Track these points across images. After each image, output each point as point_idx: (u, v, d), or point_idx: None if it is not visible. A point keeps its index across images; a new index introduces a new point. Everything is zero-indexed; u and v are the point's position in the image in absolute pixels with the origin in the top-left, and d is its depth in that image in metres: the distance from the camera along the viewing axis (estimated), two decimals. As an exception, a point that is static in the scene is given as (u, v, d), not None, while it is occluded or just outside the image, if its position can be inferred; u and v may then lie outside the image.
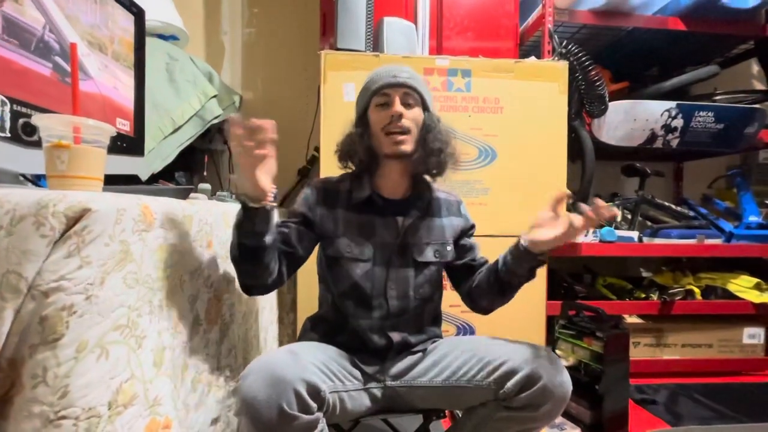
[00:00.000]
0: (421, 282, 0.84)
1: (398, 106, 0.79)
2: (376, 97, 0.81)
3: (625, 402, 1.19)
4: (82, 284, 0.43)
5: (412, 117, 0.80)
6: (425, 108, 0.84)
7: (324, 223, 0.82)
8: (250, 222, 0.68)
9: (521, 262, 0.78)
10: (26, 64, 0.58)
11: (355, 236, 0.81)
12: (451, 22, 1.52)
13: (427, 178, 0.87)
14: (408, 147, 0.80)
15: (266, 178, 0.67)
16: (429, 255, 0.84)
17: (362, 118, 0.84)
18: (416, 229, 0.84)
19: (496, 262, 0.84)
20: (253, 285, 0.76)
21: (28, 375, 0.41)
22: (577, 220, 0.72)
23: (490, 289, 0.85)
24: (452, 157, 0.84)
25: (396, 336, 0.81)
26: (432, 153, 0.81)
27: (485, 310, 0.89)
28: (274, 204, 0.71)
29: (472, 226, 0.93)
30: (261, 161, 0.65)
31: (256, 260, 0.72)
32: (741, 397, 1.45)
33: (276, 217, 0.74)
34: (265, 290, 0.78)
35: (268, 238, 0.71)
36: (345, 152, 0.84)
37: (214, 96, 1.50)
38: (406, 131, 0.79)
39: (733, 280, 1.66)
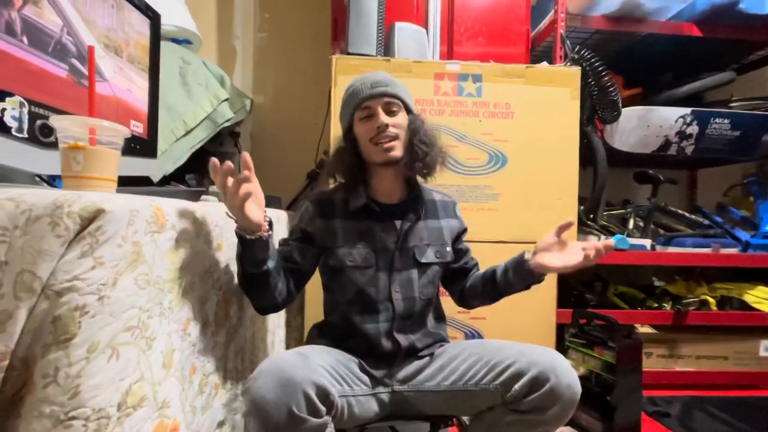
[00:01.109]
0: (425, 282, 0.85)
1: (383, 117, 0.80)
2: (358, 111, 0.82)
3: (638, 414, 1.16)
4: (94, 285, 0.43)
5: (397, 123, 0.81)
6: (408, 111, 0.85)
7: (323, 235, 0.83)
8: (251, 252, 0.71)
9: (523, 280, 0.85)
10: (43, 65, 0.59)
11: (356, 244, 0.82)
12: (462, 27, 1.52)
13: (420, 179, 0.89)
14: (398, 153, 0.81)
15: (255, 210, 0.70)
16: (431, 256, 0.86)
17: (348, 134, 0.86)
18: (415, 231, 0.86)
19: (493, 271, 0.89)
20: (266, 306, 0.80)
21: (39, 374, 0.41)
22: (591, 253, 0.78)
23: (484, 294, 0.91)
24: (441, 156, 0.86)
25: (403, 339, 0.82)
26: (419, 156, 0.82)
27: (472, 308, 0.97)
28: (270, 232, 0.74)
29: (465, 230, 0.95)
30: (245, 199, 0.66)
31: (264, 285, 0.75)
32: (757, 411, 1.41)
33: (275, 242, 0.77)
34: (277, 309, 0.82)
35: (271, 263, 0.74)
36: (336, 168, 0.86)
37: (226, 99, 1.52)
38: (393, 138, 0.81)
39: (749, 290, 1.62)
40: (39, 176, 0.72)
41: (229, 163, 0.64)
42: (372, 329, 0.81)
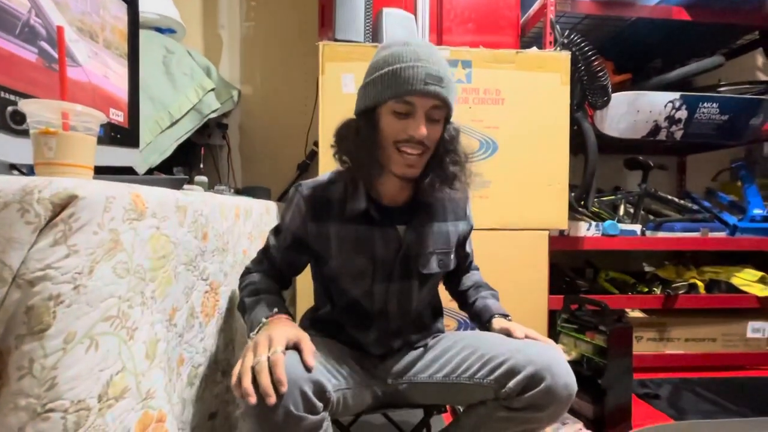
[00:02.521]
0: (424, 294, 0.82)
1: (423, 128, 0.66)
2: (396, 102, 0.67)
3: (628, 396, 1.18)
4: (69, 273, 0.41)
5: (432, 137, 0.69)
6: (447, 119, 0.72)
7: (316, 243, 0.76)
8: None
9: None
10: (11, 49, 0.56)
11: (351, 254, 0.74)
12: (452, 14, 1.50)
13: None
14: (418, 170, 0.71)
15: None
16: (433, 266, 0.79)
17: (369, 115, 0.70)
18: (419, 238, 0.77)
19: (475, 310, 0.86)
20: None
21: (14, 366, 0.40)
22: None
23: (461, 306, 0.92)
24: (470, 179, 0.75)
25: (396, 343, 0.80)
26: (447, 179, 0.72)
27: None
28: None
29: (472, 228, 0.89)
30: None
31: None
32: (745, 391, 1.44)
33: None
34: None
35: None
36: (344, 151, 0.73)
37: (212, 89, 1.48)
38: (422, 152, 0.69)
39: (737, 273, 1.65)
40: (16, 167, 0.70)
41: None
42: (362, 338, 0.79)
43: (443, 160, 0.71)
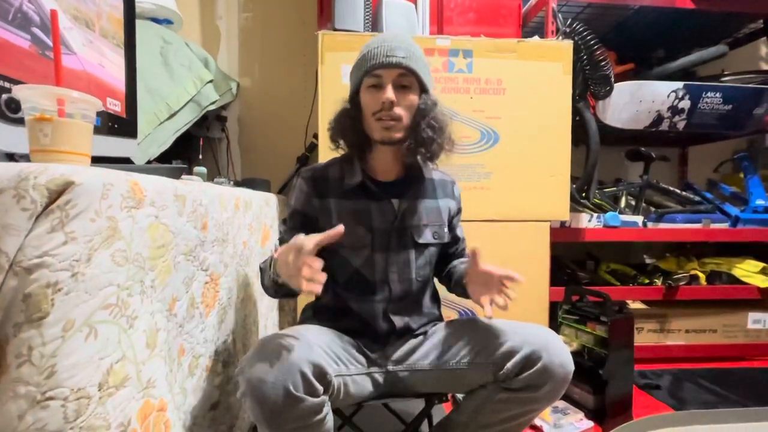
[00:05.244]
0: (422, 264, 0.84)
1: (390, 93, 0.73)
2: (368, 77, 0.75)
3: (629, 387, 1.18)
4: (67, 261, 0.41)
5: (405, 103, 0.75)
6: (423, 90, 0.78)
7: (321, 216, 0.80)
8: (288, 289, 0.69)
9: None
10: (4, 35, 0.55)
11: (351, 224, 0.78)
12: (452, 3, 1.48)
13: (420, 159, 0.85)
14: (399, 134, 0.76)
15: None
16: (428, 237, 0.83)
17: (354, 98, 0.80)
18: (413, 211, 0.82)
19: (455, 274, 0.87)
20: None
21: (12, 354, 0.39)
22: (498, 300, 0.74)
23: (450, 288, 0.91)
24: (448, 144, 0.80)
25: (398, 321, 0.81)
26: (424, 142, 0.76)
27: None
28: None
29: (460, 210, 0.93)
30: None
31: (290, 296, 0.77)
32: (745, 381, 1.44)
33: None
34: None
35: None
36: (337, 132, 0.81)
37: (210, 81, 1.47)
38: (396, 118, 0.75)
39: (738, 264, 1.64)
40: (12, 157, 0.69)
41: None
42: (367, 310, 0.80)
43: (419, 125, 0.77)
